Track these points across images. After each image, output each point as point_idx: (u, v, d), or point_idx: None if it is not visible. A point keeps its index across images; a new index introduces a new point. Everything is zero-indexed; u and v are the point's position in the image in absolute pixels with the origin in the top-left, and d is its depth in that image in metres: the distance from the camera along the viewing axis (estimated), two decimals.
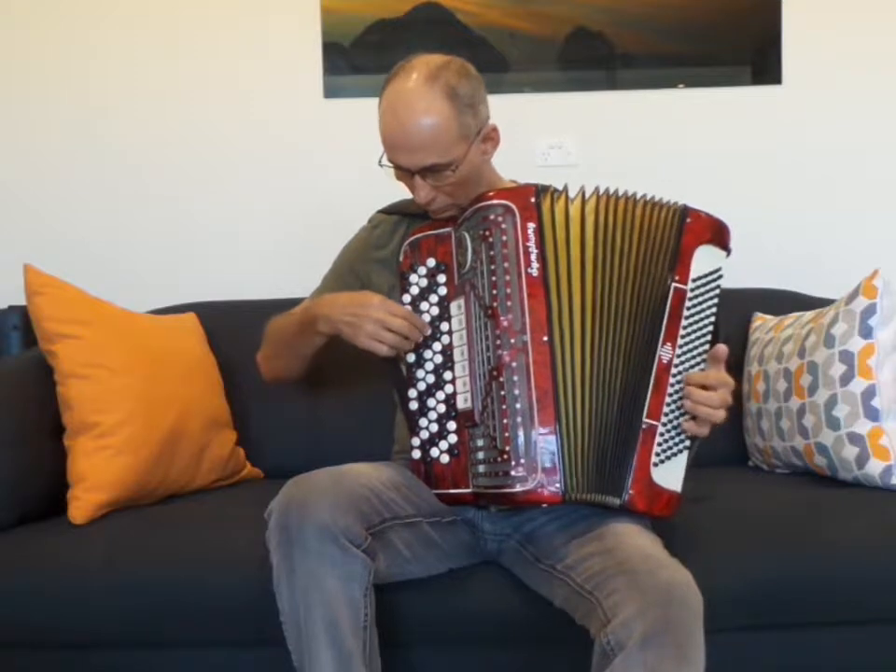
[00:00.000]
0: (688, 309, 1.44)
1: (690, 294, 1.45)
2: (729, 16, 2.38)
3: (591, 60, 2.40)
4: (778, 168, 2.42)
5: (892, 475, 1.77)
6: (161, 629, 1.56)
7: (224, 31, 2.41)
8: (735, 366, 2.10)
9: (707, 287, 1.47)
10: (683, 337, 1.44)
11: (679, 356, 1.43)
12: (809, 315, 1.98)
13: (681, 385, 1.43)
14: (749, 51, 2.40)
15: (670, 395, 1.42)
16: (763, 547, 1.58)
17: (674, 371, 1.43)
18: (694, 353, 1.45)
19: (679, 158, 2.41)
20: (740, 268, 2.30)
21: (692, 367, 1.44)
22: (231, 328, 2.15)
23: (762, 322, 2.11)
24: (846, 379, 1.81)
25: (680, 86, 2.42)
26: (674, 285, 1.44)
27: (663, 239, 1.47)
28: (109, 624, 1.56)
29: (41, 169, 2.44)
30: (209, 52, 2.41)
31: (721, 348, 1.44)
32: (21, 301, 1.89)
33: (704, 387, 1.42)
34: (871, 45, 2.40)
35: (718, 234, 1.48)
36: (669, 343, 1.43)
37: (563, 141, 2.40)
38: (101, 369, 1.80)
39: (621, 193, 1.49)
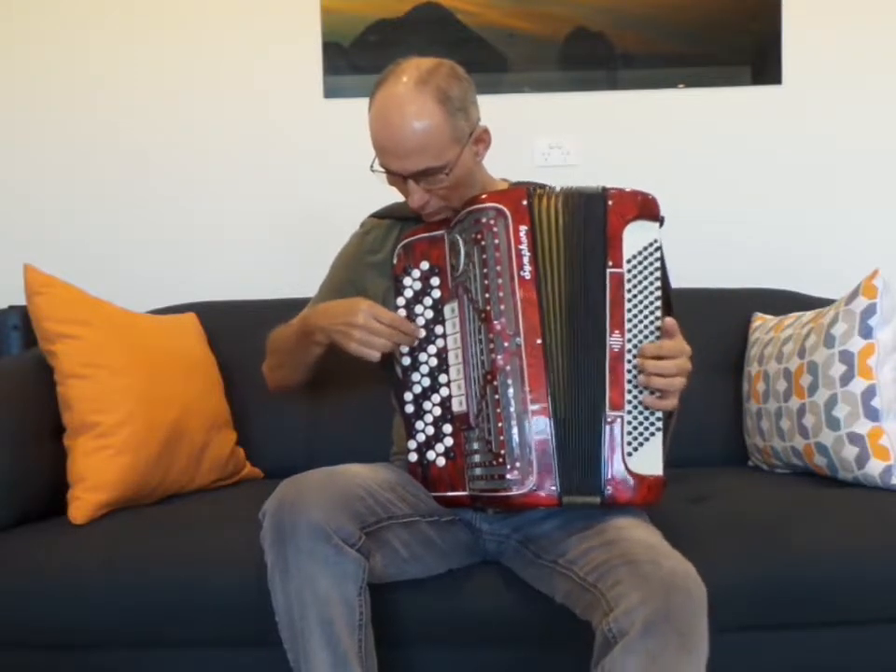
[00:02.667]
0: (629, 291, 1.42)
1: (628, 276, 1.43)
2: (729, 16, 2.38)
3: (591, 60, 2.40)
4: (778, 168, 2.42)
5: (892, 475, 1.77)
6: (161, 629, 1.56)
7: (224, 31, 2.41)
8: (735, 366, 2.11)
9: (646, 264, 1.44)
10: (630, 321, 1.42)
11: (629, 340, 1.42)
12: (809, 314, 1.97)
13: (639, 370, 1.42)
14: (749, 51, 2.40)
15: (629, 381, 1.41)
16: (763, 547, 1.57)
17: (628, 356, 1.41)
18: (646, 332, 1.42)
19: (679, 158, 2.41)
20: (740, 268, 2.33)
21: None
22: (231, 328, 2.15)
23: (762, 322, 2.11)
24: (846, 379, 1.81)
25: (680, 86, 2.42)
26: (609, 270, 1.42)
27: (595, 226, 1.44)
28: (109, 624, 1.56)
29: (41, 169, 2.44)
30: (209, 52, 2.41)
31: (669, 321, 1.42)
32: (21, 301, 1.89)
33: (659, 358, 1.41)
34: (871, 45, 2.39)
35: (644, 208, 1.45)
36: (618, 331, 1.42)
37: (563, 141, 2.40)
38: (101, 369, 1.80)
39: (574, 188, 1.47)
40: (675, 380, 1.41)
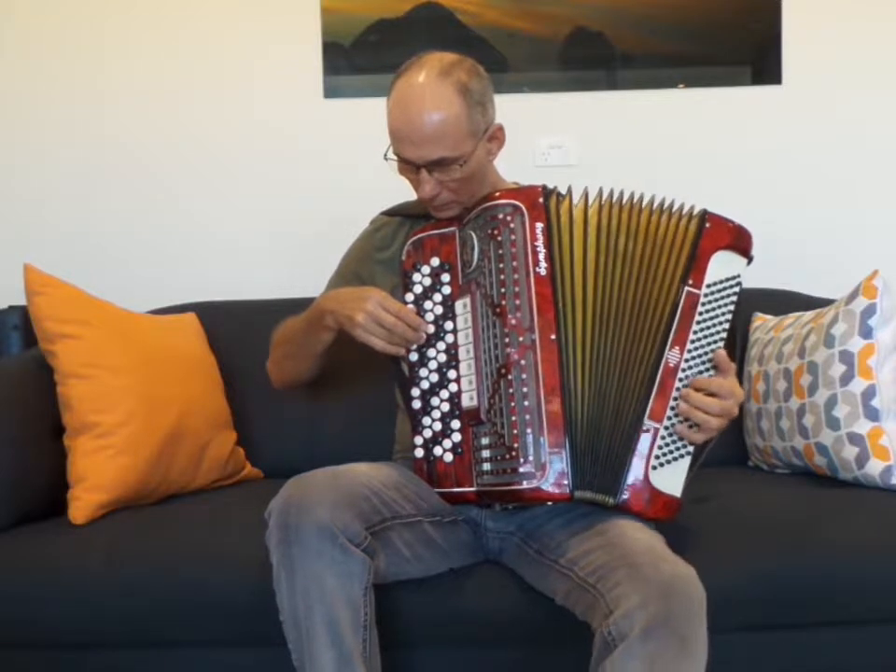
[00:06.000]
0: (700, 314, 1.44)
1: (703, 299, 1.45)
2: (729, 16, 2.38)
3: (591, 60, 2.41)
4: (778, 168, 2.42)
5: (892, 475, 1.77)
6: (162, 629, 1.56)
7: (224, 31, 2.41)
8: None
9: (723, 294, 1.46)
10: (693, 342, 1.44)
11: (686, 360, 1.43)
12: (809, 315, 1.98)
13: (684, 399, 1.43)
14: (749, 51, 2.40)
15: (675, 398, 1.42)
16: (763, 547, 1.58)
17: (681, 375, 1.43)
18: (704, 358, 1.44)
19: (679, 158, 2.41)
20: None
21: (700, 372, 1.44)
22: (231, 328, 2.15)
23: (762, 322, 2.12)
24: (846, 379, 1.81)
25: (680, 86, 2.42)
26: (687, 289, 1.44)
27: (674, 244, 1.47)
28: (109, 624, 1.56)
29: (42, 168, 2.44)
30: (209, 52, 2.41)
31: (720, 353, 1.44)
32: (21, 300, 1.89)
33: (709, 394, 1.42)
34: (871, 45, 2.40)
35: (737, 240, 1.48)
36: (678, 347, 1.43)
37: (563, 141, 2.41)
38: (101, 369, 1.80)
39: (626, 198, 1.49)
40: (714, 420, 1.42)
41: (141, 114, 2.42)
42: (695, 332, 1.44)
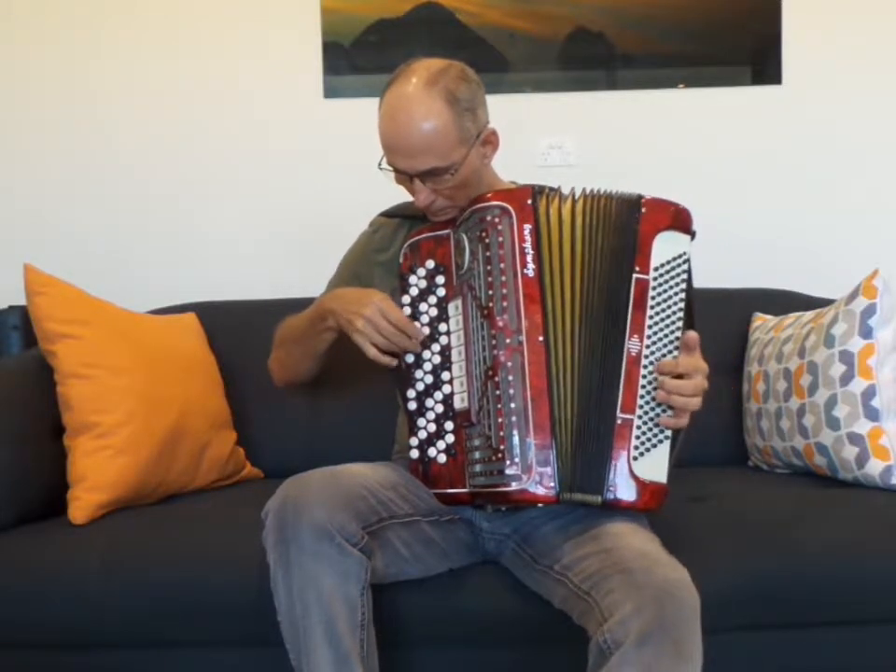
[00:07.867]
0: (653, 299, 1.43)
1: (653, 283, 1.44)
2: (729, 16, 2.38)
3: (591, 60, 2.41)
4: (778, 168, 2.42)
5: (892, 475, 1.77)
6: (161, 629, 1.56)
7: (224, 31, 2.41)
8: (735, 366, 2.11)
9: (672, 274, 1.45)
10: (651, 327, 1.43)
11: (648, 346, 1.42)
12: (809, 315, 1.98)
13: (654, 376, 1.42)
14: (748, 51, 2.40)
15: (643, 387, 1.42)
16: (762, 547, 1.58)
17: (644, 362, 1.42)
18: (665, 341, 1.43)
19: (679, 158, 2.42)
20: (740, 268, 2.33)
21: (663, 356, 1.43)
22: (231, 328, 2.16)
23: (762, 322, 2.12)
24: (846, 379, 1.81)
25: (680, 86, 2.42)
26: (635, 276, 1.43)
27: (622, 231, 1.46)
28: (109, 624, 1.56)
29: (41, 169, 2.44)
30: (209, 52, 2.42)
31: (692, 335, 1.43)
32: (21, 301, 1.89)
33: (677, 376, 1.41)
34: (871, 45, 2.40)
35: (677, 219, 1.47)
36: (637, 336, 1.42)
37: (563, 141, 2.41)
38: (101, 369, 1.80)
39: (603, 192, 1.48)
40: (692, 400, 1.41)
41: (141, 114, 2.43)
42: (651, 318, 1.43)
